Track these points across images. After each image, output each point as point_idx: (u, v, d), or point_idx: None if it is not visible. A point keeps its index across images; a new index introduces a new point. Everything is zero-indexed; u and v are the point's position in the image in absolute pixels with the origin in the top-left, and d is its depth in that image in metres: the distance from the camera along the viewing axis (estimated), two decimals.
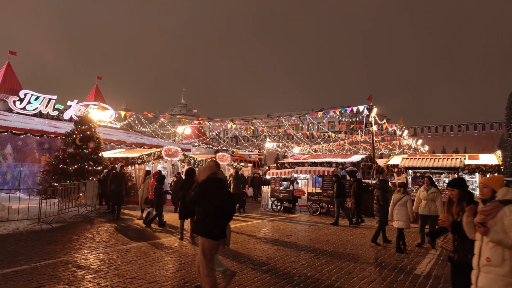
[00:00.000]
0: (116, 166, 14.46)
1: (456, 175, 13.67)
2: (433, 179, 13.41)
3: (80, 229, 10.63)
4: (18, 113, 24.50)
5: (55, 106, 26.80)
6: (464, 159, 14.70)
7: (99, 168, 16.24)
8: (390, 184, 16.26)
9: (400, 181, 15.39)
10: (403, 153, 27.12)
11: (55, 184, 14.19)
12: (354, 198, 13.48)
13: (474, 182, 15.01)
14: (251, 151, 41.92)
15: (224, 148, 39.54)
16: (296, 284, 5.95)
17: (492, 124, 64.39)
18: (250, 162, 33.16)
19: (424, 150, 40.29)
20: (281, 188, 17.36)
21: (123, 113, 25.99)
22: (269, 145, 42.10)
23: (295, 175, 18.11)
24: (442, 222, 3.82)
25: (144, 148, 26.30)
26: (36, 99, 25.75)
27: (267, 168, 32.11)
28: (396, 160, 16.37)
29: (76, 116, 24.99)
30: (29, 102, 25.33)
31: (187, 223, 10.06)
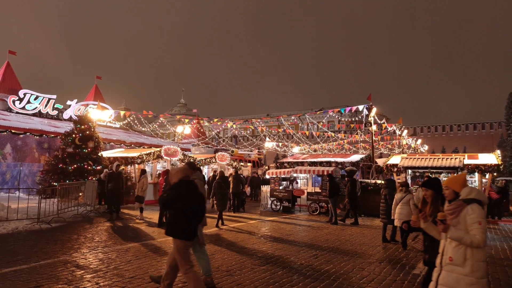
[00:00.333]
0: (112, 165, 14.44)
1: (455, 175, 13.67)
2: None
3: (79, 228, 10.63)
4: (17, 112, 24.47)
5: (55, 106, 26.76)
6: (464, 158, 14.71)
7: (98, 167, 16.23)
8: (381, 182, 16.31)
9: (399, 180, 15.42)
10: (403, 153, 27.14)
11: (54, 183, 14.18)
12: (349, 198, 13.49)
13: (473, 181, 15.03)
14: (251, 151, 41.94)
15: (223, 147, 39.55)
16: (295, 284, 5.96)
17: (491, 124, 64.41)
18: (249, 161, 33.17)
19: (424, 149, 40.31)
20: (281, 187, 17.36)
21: (122, 112, 25.97)
22: (269, 144, 42.13)
23: (295, 175, 18.11)
24: (413, 223, 3.83)
25: (144, 147, 26.29)
26: (36, 98, 25.72)
27: (266, 168, 32.11)
28: (395, 159, 16.38)
29: (75, 115, 24.97)
30: (28, 102, 25.30)
31: None
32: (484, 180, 15.27)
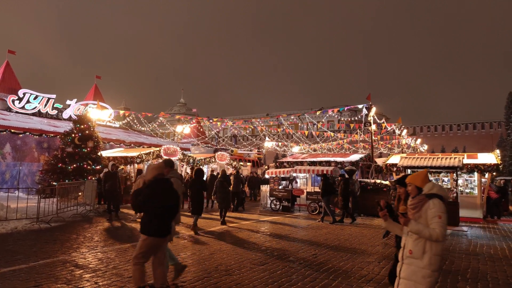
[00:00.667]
0: (108, 165, 14.42)
1: (454, 174, 13.67)
2: (432, 178, 13.47)
3: (78, 228, 10.63)
4: (17, 112, 24.45)
5: (54, 105, 26.75)
6: (463, 158, 14.70)
7: (98, 167, 16.23)
8: (389, 183, 16.30)
9: None
10: (402, 152, 27.13)
11: (53, 183, 14.18)
12: (342, 196, 13.51)
13: (473, 181, 15.03)
14: (250, 150, 41.95)
15: (223, 147, 39.56)
16: (294, 283, 5.96)
17: (491, 124, 64.43)
18: (249, 161, 33.18)
19: (423, 149, 40.32)
20: (280, 187, 17.38)
21: (122, 112, 25.97)
22: (268, 144, 42.12)
23: (294, 175, 18.12)
24: (404, 222, 3.87)
25: (143, 147, 26.29)
26: (35, 98, 25.71)
27: (266, 167, 32.12)
28: (395, 159, 16.38)
29: (75, 115, 24.96)
30: (28, 101, 25.28)
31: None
32: (483, 180, 15.28)
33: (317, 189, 16.38)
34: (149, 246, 4.87)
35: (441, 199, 3.51)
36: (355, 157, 20.93)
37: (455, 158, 14.39)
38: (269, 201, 17.26)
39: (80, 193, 14.29)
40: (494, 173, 15.24)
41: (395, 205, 4.44)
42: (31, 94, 25.56)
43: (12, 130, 20.53)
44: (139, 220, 12.40)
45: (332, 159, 20.48)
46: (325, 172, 15.99)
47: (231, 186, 15.25)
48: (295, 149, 39.25)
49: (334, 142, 39.14)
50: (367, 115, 19.50)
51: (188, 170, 19.26)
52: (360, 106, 19.85)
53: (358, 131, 31.94)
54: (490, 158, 14.93)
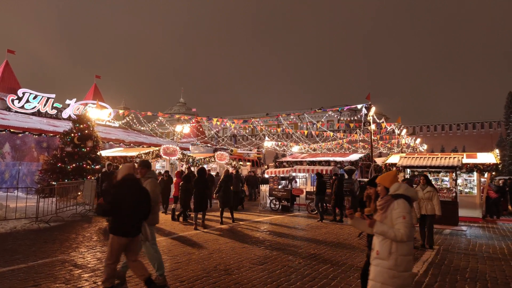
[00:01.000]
0: (105, 165, 14.43)
1: (453, 174, 13.68)
2: (431, 178, 13.48)
3: (77, 228, 10.63)
4: (16, 111, 24.45)
5: (54, 105, 26.75)
6: (462, 158, 14.71)
7: (97, 167, 16.23)
8: None
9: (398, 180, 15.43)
10: (402, 152, 27.14)
11: (53, 183, 14.18)
12: (334, 195, 13.55)
13: (472, 181, 15.03)
14: (250, 150, 41.95)
15: (222, 147, 39.55)
16: (293, 283, 5.96)
17: (491, 123, 64.44)
18: (249, 161, 33.18)
19: (423, 149, 40.32)
20: (280, 187, 17.38)
21: (121, 111, 25.96)
22: (268, 144, 42.11)
23: (294, 174, 18.13)
24: (370, 223, 3.90)
25: (143, 147, 26.30)
26: (35, 98, 25.70)
27: (266, 167, 32.12)
28: (394, 159, 16.38)
29: (74, 115, 24.95)
30: (27, 101, 25.27)
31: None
32: (482, 180, 15.29)
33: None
34: (117, 246, 4.92)
35: (408, 199, 3.52)
36: (354, 156, 20.94)
37: (454, 157, 14.40)
38: (268, 201, 17.26)
39: (79, 193, 14.28)
40: (494, 173, 15.24)
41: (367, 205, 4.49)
42: (30, 93, 25.55)
43: (12, 130, 20.52)
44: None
45: (331, 158, 20.49)
46: (324, 171, 16.00)
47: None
48: (295, 148, 39.25)
49: (333, 142, 39.15)
50: (366, 115, 19.49)
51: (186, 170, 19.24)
52: (359, 106, 19.84)
53: (358, 130, 31.95)
54: (489, 157, 14.93)
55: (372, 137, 20.40)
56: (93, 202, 14.35)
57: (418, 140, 39.26)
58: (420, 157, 15.15)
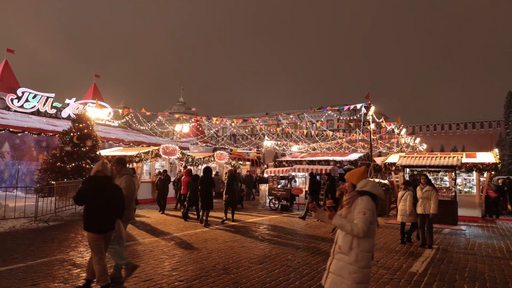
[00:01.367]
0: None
1: (453, 174, 13.68)
2: (430, 177, 13.47)
3: (76, 227, 10.62)
4: (16, 111, 24.42)
5: (53, 104, 26.73)
6: (462, 157, 14.70)
7: None
8: (387, 182, 16.32)
9: (397, 179, 15.43)
10: (401, 152, 27.14)
11: (52, 182, 14.16)
12: (325, 195, 13.59)
13: (471, 180, 15.03)
14: (250, 150, 41.95)
15: (222, 146, 39.55)
16: (292, 282, 5.96)
17: (490, 123, 64.39)
18: (248, 160, 33.18)
19: (422, 148, 40.31)
20: (279, 186, 17.38)
21: (120, 110, 25.95)
22: (268, 143, 42.10)
23: (293, 174, 18.13)
24: (329, 215, 3.92)
25: (142, 146, 26.29)
26: (34, 97, 25.67)
27: (265, 166, 32.12)
28: (393, 158, 16.37)
29: (74, 114, 24.94)
30: (26, 100, 25.24)
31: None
32: (482, 179, 15.28)
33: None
34: (95, 242, 5.06)
35: (373, 197, 3.56)
36: (354, 156, 20.96)
37: (453, 157, 14.39)
38: (268, 200, 17.27)
39: None
40: (493, 172, 15.24)
41: (309, 200, 4.61)
42: (30, 93, 25.53)
43: (11, 129, 20.49)
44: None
45: (331, 158, 20.51)
46: (324, 171, 16.01)
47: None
48: (294, 148, 39.24)
49: (333, 141, 39.13)
50: (366, 114, 19.48)
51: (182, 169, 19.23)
52: (358, 106, 19.83)
53: (357, 130, 31.93)
54: (488, 157, 14.92)
55: (372, 136, 20.38)
56: None
57: (418, 140, 39.23)
58: (420, 157, 15.14)
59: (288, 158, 23.05)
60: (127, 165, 17.74)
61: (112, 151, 20.85)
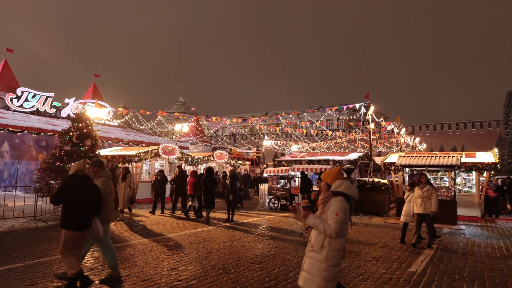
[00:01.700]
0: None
1: (452, 173, 13.67)
2: (430, 177, 13.47)
3: None
4: (15, 110, 24.40)
5: (53, 104, 26.71)
6: (461, 157, 14.70)
7: None
8: (387, 182, 16.30)
9: (397, 179, 15.43)
10: (401, 151, 27.13)
11: (51, 182, 14.14)
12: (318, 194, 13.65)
13: (471, 180, 15.03)
14: (249, 149, 41.91)
15: (222, 146, 39.52)
16: (291, 282, 5.95)
17: (490, 122, 64.41)
18: (248, 160, 33.15)
19: (422, 148, 40.31)
20: (278, 186, 17.37)
21: (120, 109, 25.93)
22: (267, 143, 42.07)
23: (293, 173, 18.11)
24: (304, 215, 3.94)
25: (142, 145, 26.26)
26: (33, 96, 25.65)
27: (265, 166, 32.10)
28: (393, 158, 16.37)
29: (73, 114, 24.91)
30: (26, 100, 25.22)
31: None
32: (481, 179, 15.28)
33: (315, 188, 16.37)
34: (69, 239, 5.08)
35: (347, 197, 3.63)
36: (353, 155, 20.93)
37: (453, 156, 14.39)
38: (267, 200, 17.26)
39: None
40: (492, 172, 15.23)
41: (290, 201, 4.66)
42: (29, 92, 25.52)
43: (10, 129, 20.47)
44: (129, 219, 12.44)
45: (330, 157, 20.49)
46: (323, 170, 15.97)
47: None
48: (294, 147, 39.23)
49: (332, 141, 39.12)
50: (365, 114, 19.49)
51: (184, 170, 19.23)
52: (358, 105, 19.83)
53: (357, 129, 31.93)
54: (488, 156, 14.92)
55: (371, 136, 20.38)
56: None
57: (417, 139, 39.25)
58: (419, 156, 15.13)
59: (287, 157, 23.03)
60: (127, 165, 17.79)
61: (112, 150, 20.83)
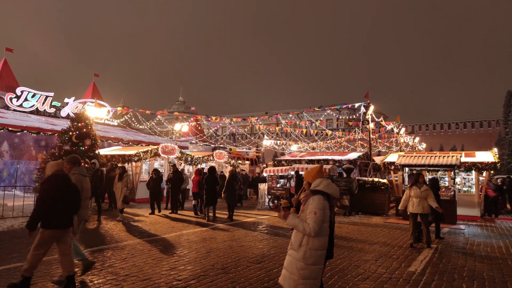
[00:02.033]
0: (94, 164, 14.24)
1: (452, 173, 13.67)
2: (430, 176, 13.47)
3: None
4: (14, 110, 24.40)
5: (52, 103, 26.71)
6: (461, 156, 14.70)
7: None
8: (386, 181, 16.31)
9: (397, 179, 15.43)
10: (400, 151, 27.13)
11: None
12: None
13: (470, 179, 15.03)
14: (249, 149, 41.92)
15: (221, 145, 39.50)
16: None
17: (489, 122, 64.44)
18: (247, 159, 33.13)
19: (422, 147, 40.32)
20: (278, 185, 17.36)
21: (119, 108, 25.92)
22: (267, 142, 42.05)
23: (292, 173, 18.10)
24: (284, 215, 3.97)
25: (142, 145, 26.25)
26: (33, 96, 25.65)
27: (264, 165, 32.09)
28: (392, 157, 16.37)
29: (73, 113, 24.90)
30: (25, 99, 25.22)
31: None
32: (481, 178, 15.28)
33: None
34: (45, 238, 5.12)
35: (326, 196, 3.63)
36: (353, 155, 20.95)
37: (452, 156, 14.38)
38: (267, 199, 17.26)
39: None
40: (492, 172, 15.24)
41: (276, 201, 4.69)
42: (29, 92, 25.52)
43: (10, 128, 20.46)
44: (124, 220, 12.42)
45: (330, 157, 20.50)
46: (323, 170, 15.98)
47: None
48: (294, 147, 39.23)
49: (332, 141, 39.12)
50: (365, 113, 19.48)
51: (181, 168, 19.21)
52: (356, 105, 19.84)
53: (357, 129, 31.93)
54: (488, 156, 14.92)
55: (371, 135, 20.38)
56: (91, 201, 14.30)
57: (417, 139, 39.25)
58: (419, 156, 15.13)
59: (287, 157, 23.04)
60: (126, 164, 17.78)
61: (111, 150, 20.82)
